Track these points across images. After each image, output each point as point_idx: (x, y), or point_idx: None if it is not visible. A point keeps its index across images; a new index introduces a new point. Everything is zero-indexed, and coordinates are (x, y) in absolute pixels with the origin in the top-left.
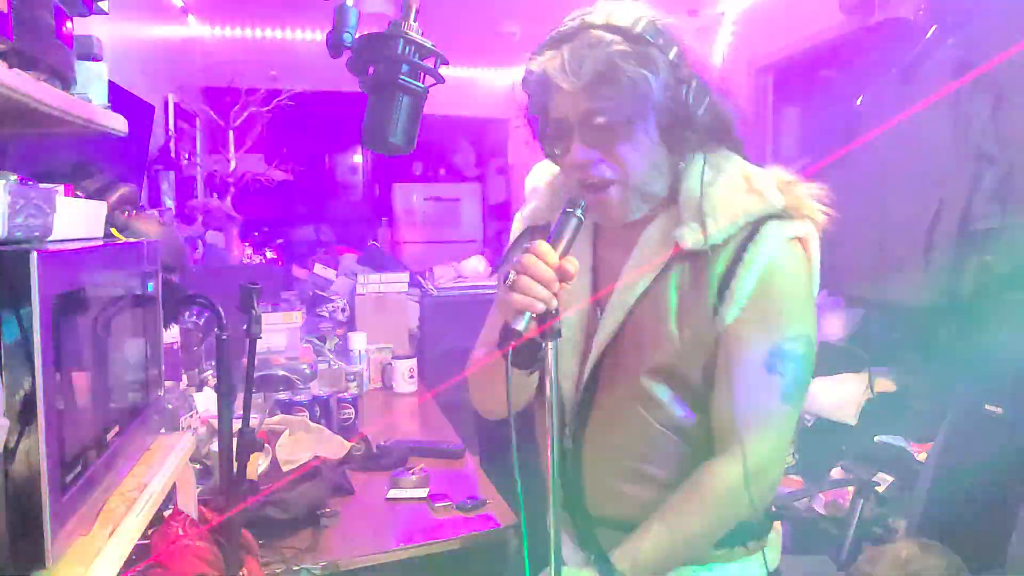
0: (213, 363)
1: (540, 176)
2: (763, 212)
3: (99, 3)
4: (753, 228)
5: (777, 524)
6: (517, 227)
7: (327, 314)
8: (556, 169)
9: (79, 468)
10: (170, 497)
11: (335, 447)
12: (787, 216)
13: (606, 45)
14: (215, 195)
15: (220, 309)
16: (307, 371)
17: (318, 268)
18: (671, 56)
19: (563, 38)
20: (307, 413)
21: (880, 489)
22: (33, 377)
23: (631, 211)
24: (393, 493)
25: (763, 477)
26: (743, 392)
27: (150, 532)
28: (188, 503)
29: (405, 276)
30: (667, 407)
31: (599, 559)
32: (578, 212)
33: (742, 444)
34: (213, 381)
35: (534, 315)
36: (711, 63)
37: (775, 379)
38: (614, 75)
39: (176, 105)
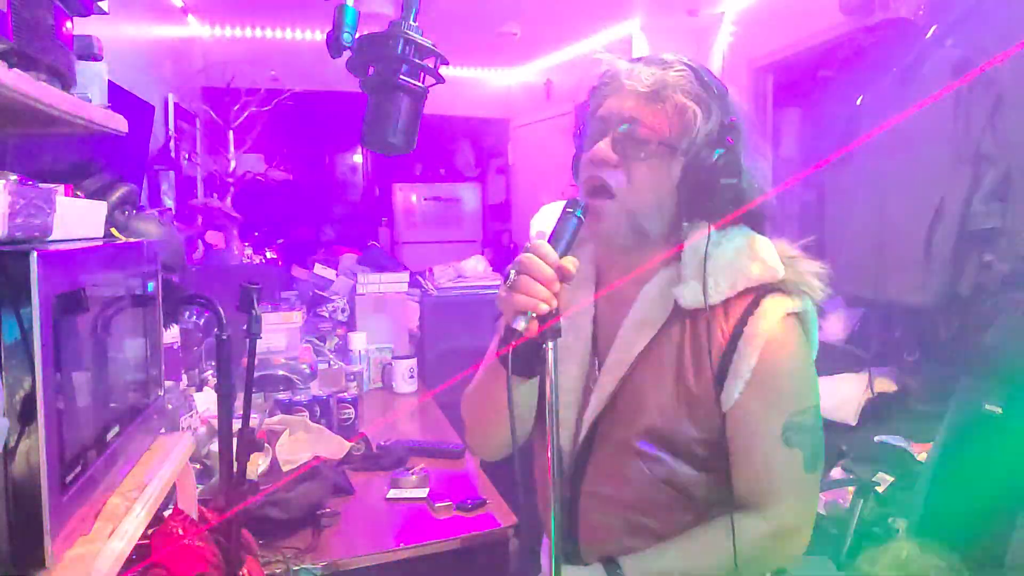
0: (213, 363)
1: (546, 219)
2: (764, 280)
3: (99, 3)
4: (754, 300)
5: None
6: None
7: (327, 314)
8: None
9: (79, 468)
10: (170, 497)
11: (335, 447)
12: (787, 290)
13: (675, 71)
14: (215, 195)
15: (220, 309)
16: (307, 371)
17: (318, 268)
18: (724, 119)
19: (642, 59)
20: (307, 413)
21: (880, 489)
22: (33, 377)
23: (620, 235)
24: (393, 493)
25: (793, 538)
26: (764, 465)
27: (150, 532)
28: (188, 503)
29: (405, 276)
30: (665, 464)
31: (606, 564)
32: (578, 212)
33: (771, 507)
34: (213, 381)
35: (534, 315)
36: (762, 154)
37: (795, 452)
38: (670, 96)
39: (176, 105)
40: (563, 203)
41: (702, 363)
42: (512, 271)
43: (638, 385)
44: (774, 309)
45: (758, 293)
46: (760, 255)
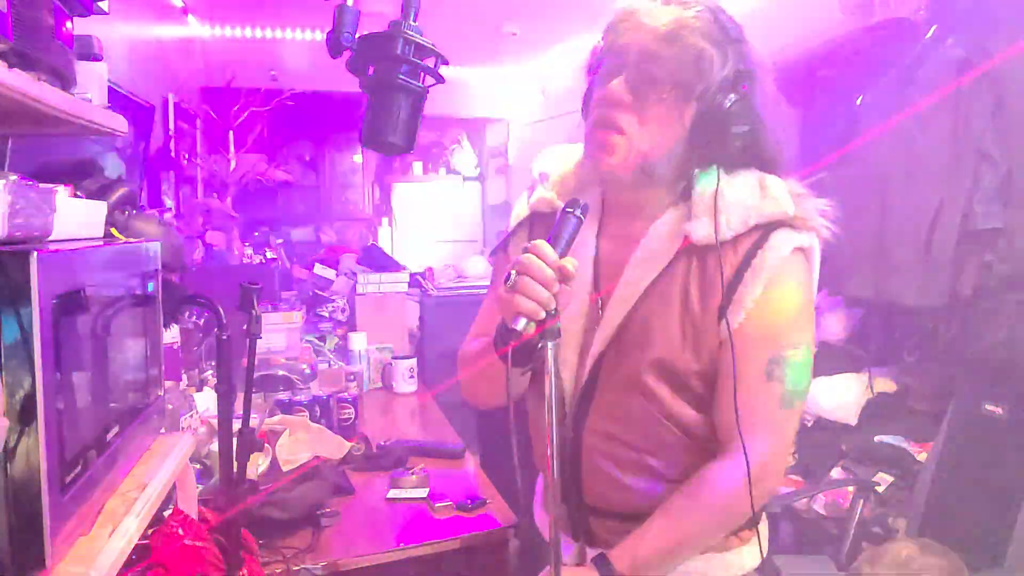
0: (213, 363)
1: (550, 161)
2: (775, 217)
3: (99, 3)
4: (763, 234)
5: (763, 515)
6: (521, 211)
7: (327, 314)
8: (565, 157)
9: (79, 468)
10: (170, 497)
11: (335, 447)
12: (795, 226)
13: (696, 12)
14: (215, 195)
15: (220, 309)
16: (307, 371)
17: (318, 268)
18: (739, 65)
19: None
20: (307, 413)
21: (880, 489)
22: (33, 377)
23: (628, 174)
24: (393, 493)
25: (764, 480)
26: (744, 397)
27: (150, 532)
28: (188, 503)
29: (405, 276)
30: (668, 401)
31: (597, 560)
32: (577, 212)
33: (743, 448)
34: (213, 381)
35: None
36: (775, 104)
37: (774, 385)
38: (687, 38)
39: (176, 105)
40: (567, 147)
41: (708, 296)
42: (513, 271)
43: (644, 319)
44: (782, 243)
45: (767, 228)
46: (771, 192)
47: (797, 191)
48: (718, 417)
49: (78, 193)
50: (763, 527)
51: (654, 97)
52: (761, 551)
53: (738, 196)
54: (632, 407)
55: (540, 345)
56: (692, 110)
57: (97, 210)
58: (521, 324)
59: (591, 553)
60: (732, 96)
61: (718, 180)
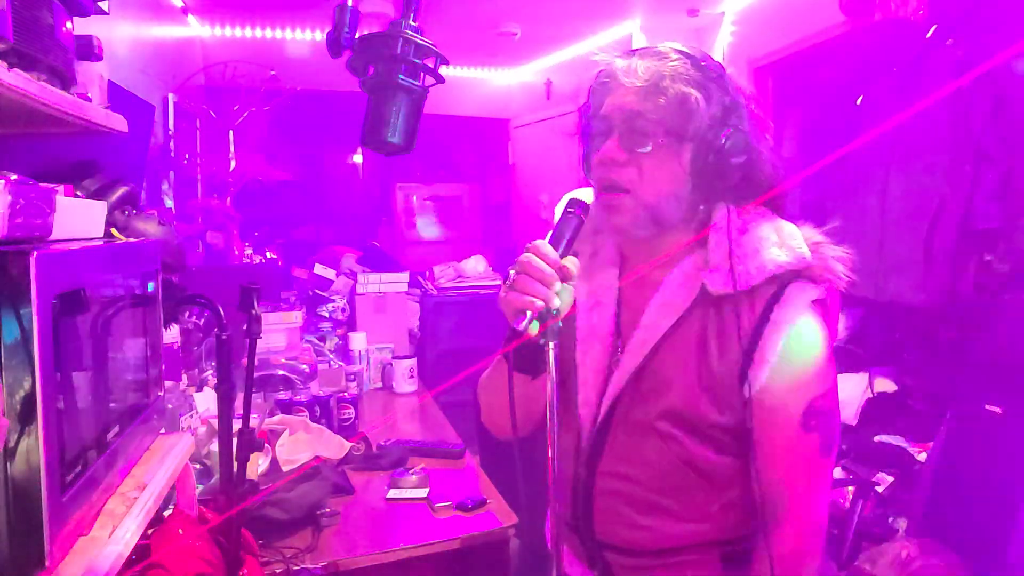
0: (213, 363)
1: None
2: (790, 267)
3: (99, 3)
4: (779, 286)
5: None
6: None
7: (327, 314)
8: (585, 196)
9: (79, 468)
10: (170, 497)
11: (335, 447)
12: (811, 277)
13: (671, 61)
14: (215, 195)
15: (220, 309)
16: (307, 371)
17: (318, 268)
18: (725, 99)
19: (636, 52)
20: (307, 413)
21: (880, 489)
22: (33, 377)
23: (639, 227)
24: (393, 493)
25: (818, 535)
26: (785, 453)
27: (150, 532)
28: (188, 503)
29: (405, 276)
30: (685, 446)
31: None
32: (578, 212)
33: (794, 510)
34: (213, 381)
35: (534, 315)
36: (764, 129)
37: (813, 436)
38: (669, 86)
39: (176, 105)
40: (587, 189)
41: (726, 347)
42: (511, 271)
43: (660, 366)
44: (799, 297)
45: (783, 279)
46: (787, 242)
47: (815, 239)
48: (760, 474)
49: (78, 193)
50: None
51: (649, 148)
52: None
53: (754, 246)
54: (646, 450)
55: (543, 343)
56: (688, 151)
57: (97, 210)
58: (523, 324)
59: None
60: (724, 130)
61: (731, 229)
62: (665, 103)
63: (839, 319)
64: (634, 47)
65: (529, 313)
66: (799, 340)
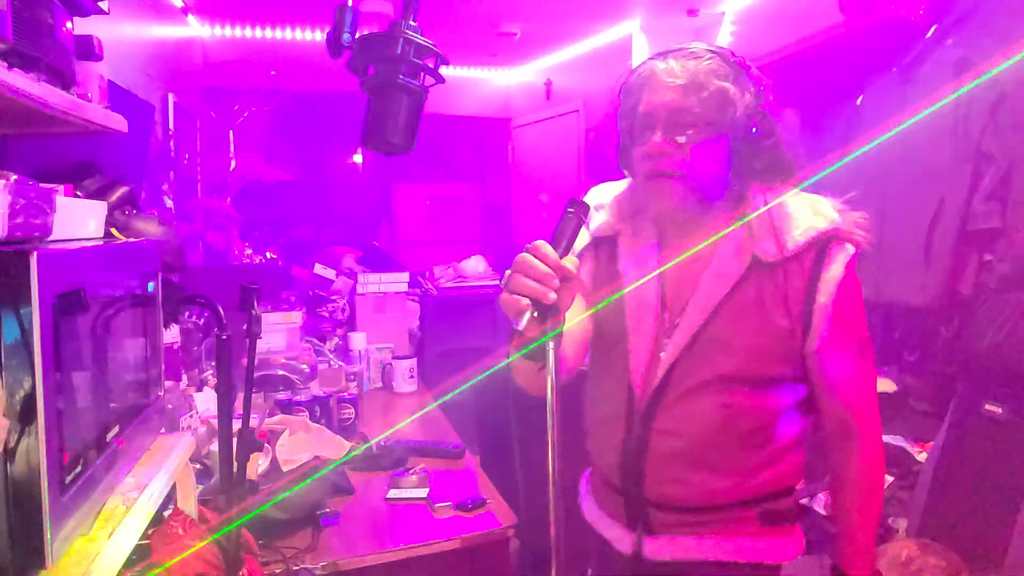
0: (213, 363)
1: (603, 193)
2: (829, 229)
3: (99, 3)
4: (819, 250)
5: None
6: (583, 240)
7: (327, 314)
8: (616, 188)
9: (79, 468)
10: (170, 497)
11: (335, 447)
12: (844, 238)
13: (707, 59)
14: (215, 195)
15: (220, 309)
16: (307, 371)
17: (318, 268)
18: (752, 89)
19: (668, 52)
20: (307, 413)
21: None
22: (33, 377)
23: (687, 207)
24: (393, 493)
25: (880, 443)
26: (850, 381)
27: (150, 532)
28: (188, 503)
29: (405, 276)
30: (735, 402)
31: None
32: (579, 212)
33: (864, 426)
34: (213, 381)
35: (534, 314)
36: (780, 114)
37: (867, 361)
38: (707, 82)
39: (176, 105)
40: (613, 183)
41: (783, 307)
42: (508, 271)
43: (717, 330)
44: (839, 256)
45: (821, 243)
46: (821, 210)
47: (838, 208)
48: (829, 407)
49: (78, 193)
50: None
51: (693, 138)
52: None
53: (794, 216)
54: (700, 408)
55: (544, 341)
56: (727, 138)
57: (97, 210)
58: (521, 323)
59: (648, 543)
60: (755, 117)
61: (767, 202)
62: (707, 97)
63: None
64: (634, 47)
65: (528, 314)
66: (846, 291)
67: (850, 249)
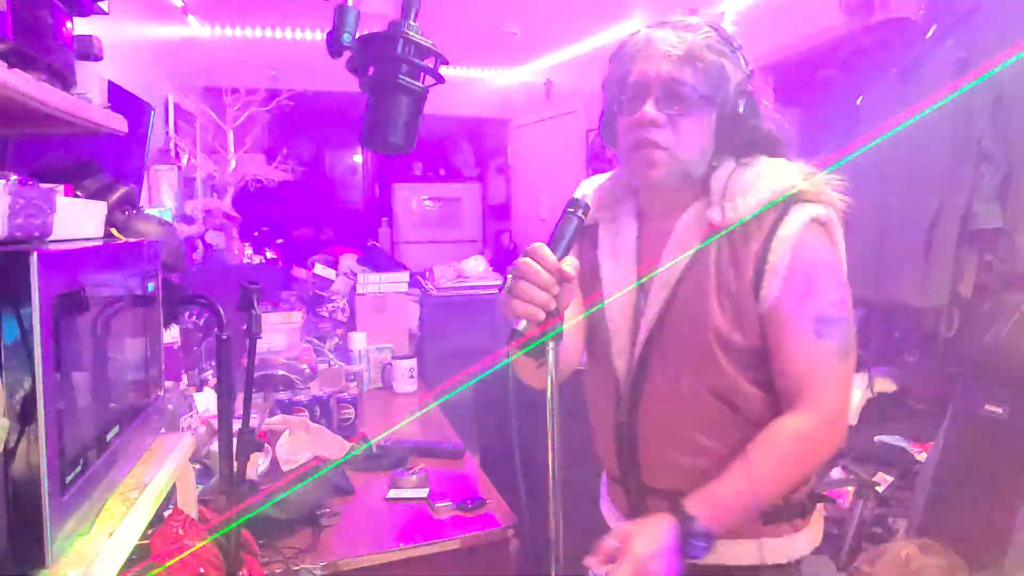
0: (213, 363)
1: (586, 187)
2: (786, 189)
3: (99, 3)
4: (780, 211)
5: (821, 506)
6: None
7: (327, 314)
8: (599, 179)
9: (79, 468)
10: (170, 497)
11: (335, 447)
12: (810, 199)
13: (704, 32)
14: (215, 195)
15: (220, 309)
16: (307, 371)
17: (318, 268)
18: (743, 67)
19: (664, 22)
20: (307, 413)
21: (880, 489)
22: (33, 377)
23: (671, 181)
24: (393, 493)
25: (832, 426)
26: (800, 360)
27: (150, 532)
28: (188, 503)
29: (405, 276)
30: (714, 378)
31: (674, 508)
32: (579, 212)
33: (810, 400)
34: (213, 381)
35: (532, 319)
36: (764, 93)
37: (826, 342)
38: (702, 55)
39: (176, 105)
40: (598, 176)
41: (739, 271)
42: (510, 276)
43: (683, 303)
44: (799, 215)
45: (786, 204)
46: (778, 172)
47: (806, 169)
48: (780, 382)
49: (78, 193)
50: (817, 518)
51: (684, 110)
52: (811, 540)
53: (748, 179)
54: (681, 388)
55: (543, 342)
56: (715, 114)
57: (97, 210)
58: (522, 325)
59: None
60: (743, 95)
61: (732, 168)
62: (702, 69)
63: (842, 243)
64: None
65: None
66: (804, 252)
67: (812, 210)
